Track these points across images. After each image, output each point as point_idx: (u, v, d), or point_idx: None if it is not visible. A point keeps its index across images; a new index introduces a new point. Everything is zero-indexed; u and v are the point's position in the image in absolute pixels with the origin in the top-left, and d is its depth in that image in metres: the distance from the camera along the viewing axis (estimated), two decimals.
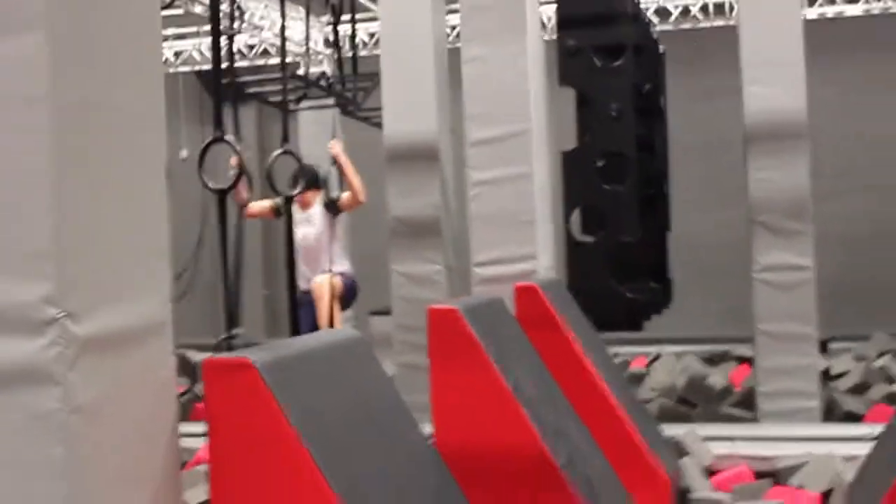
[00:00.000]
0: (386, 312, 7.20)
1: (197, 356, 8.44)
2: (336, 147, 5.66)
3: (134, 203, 2.33)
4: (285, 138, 4.96)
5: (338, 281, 5.66)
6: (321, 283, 5.57)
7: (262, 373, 2.43)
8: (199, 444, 4.70)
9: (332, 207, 5.95)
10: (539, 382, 4.44)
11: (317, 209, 5.68)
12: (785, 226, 6.73)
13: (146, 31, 2.42)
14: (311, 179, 5.87)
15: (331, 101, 8.39)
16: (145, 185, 2.39)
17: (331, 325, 5.57)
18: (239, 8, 7.46)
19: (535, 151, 5.65)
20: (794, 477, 5.39)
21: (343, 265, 6.07)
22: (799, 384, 6.72)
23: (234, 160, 5.07)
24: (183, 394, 7.48)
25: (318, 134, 8.66)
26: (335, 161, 5.55)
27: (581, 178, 6.72)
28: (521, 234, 5.52)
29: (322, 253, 5.74)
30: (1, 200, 2.10)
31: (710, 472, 5.57)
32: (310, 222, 5.65)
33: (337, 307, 5.75)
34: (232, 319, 3.01)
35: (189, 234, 9.63)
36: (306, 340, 3.11)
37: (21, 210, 2.10)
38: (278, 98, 6.38)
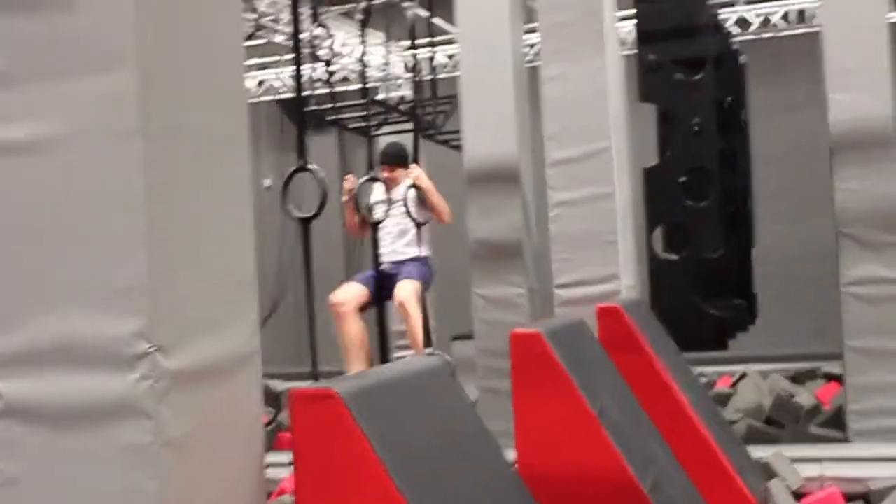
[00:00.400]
0: (468, 337, 7.18)
1: (280, 385, 8.54)
2: (417, 173, 5.65)
3: (222, 233, 2.36)
4: (371, 165, 5.00)
5: (418, 286, 5.52)
6: (408, 298, 5.42)
7: (347, 402, 2.44)
8: (284, 474, 4.76)
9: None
10: (623, 405, 4.39)
11: (404, 188, 5.55)
12: (874, 237, 6.53)
13: (230, 62, 2.45)
14: (399, 156, 5.82)
15: (410, 125, 8.42)
16: (233, 215, 2.41)
17: (425, 336, 5.47)
18: (326, 31, 7.53)
19: (615, 169, 5.60)
20: (887, 499, 5.23)
21: (427, 248, 5.93)
22: (891, 402, 6.51)
23: (346, 184, 5.27)
24: (267, 424, 7.56)
25: None
26: (416, 187, 5.53)
27: (663, 195, 6.65)
28: (602, 255, 5.47)
29: (408, 231, 5.64)
30: (93, 236, 2.14)
31: (800, 496, 5.43)
32: (396, 200, 5.55)
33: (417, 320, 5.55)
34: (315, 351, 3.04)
35: (271, 263, 9.79)
36: (390, 368, 3.12)
37: (113, 245, 2.13)
38: (359, 124, 6.42)
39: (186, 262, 2.22)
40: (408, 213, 5.09)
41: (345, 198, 5.55)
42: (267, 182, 8.48)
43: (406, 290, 5.39)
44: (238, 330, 2.36)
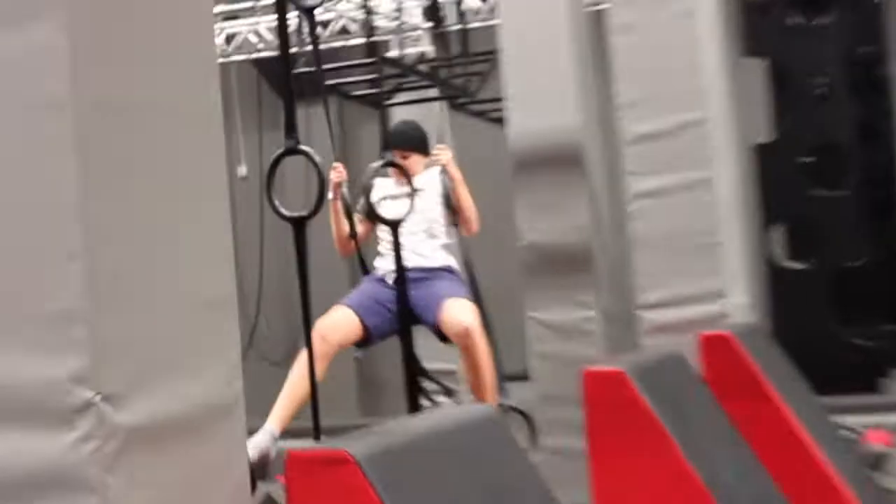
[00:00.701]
0: (522, 377, 7.15)
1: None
2: (444, 154, 5.61)
3: (189, 238, 2.36)
4: (386, 145, 4.99)
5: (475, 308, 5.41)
6: (474, 324, 5.24)
7: (365, 468, 2.45)
8: None
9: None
10: (738, 467, 4.40)
11: (429, 176, 5.49)
12: None
13: (194, 10, 2.45)
14: (416, 138, 5.74)
15: (434, 91, 8.41)
16: (203, 214, 2.41)
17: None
18: None
19: (716, 148, 5.58)
20: None
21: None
22: None
23: (334, 175, 5.21)
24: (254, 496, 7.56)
25: None
26: (445, 171, 5.50)
27: (782, 181, 6.63)
28: (702, 263, 5.45)
29: (435, 225, 5.57)
30: (10, 243, 2.14)
31: None
32: (418, 191, 5.46)
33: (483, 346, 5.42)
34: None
35: (251, 278, 9.82)
36: (422, 421, 3.13)
37: (38, 255, 2.12)
38: (366, 91, 6.42)
39: (140, 277, 2.21)
40: (447, 201, 5.01)
41: (331, 195, 5.37)
42: (242, 170, 8.49)
43: (467, 313, 5.21)
44: (213, 370, 2.35)
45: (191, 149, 2.39)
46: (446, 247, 5.53)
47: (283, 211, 3.56)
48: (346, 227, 5.32)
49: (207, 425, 2.31)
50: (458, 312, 5.21)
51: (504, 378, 5.49)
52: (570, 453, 5.74)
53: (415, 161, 5.52)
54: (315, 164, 3.77)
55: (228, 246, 2.48)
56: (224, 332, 2.42)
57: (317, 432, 2.93)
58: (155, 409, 2.17)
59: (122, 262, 2.17)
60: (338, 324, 5.23)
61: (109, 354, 2.10)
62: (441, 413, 3.40)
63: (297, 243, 3.26)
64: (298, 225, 3.35)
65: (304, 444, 2.61)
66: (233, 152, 9.40)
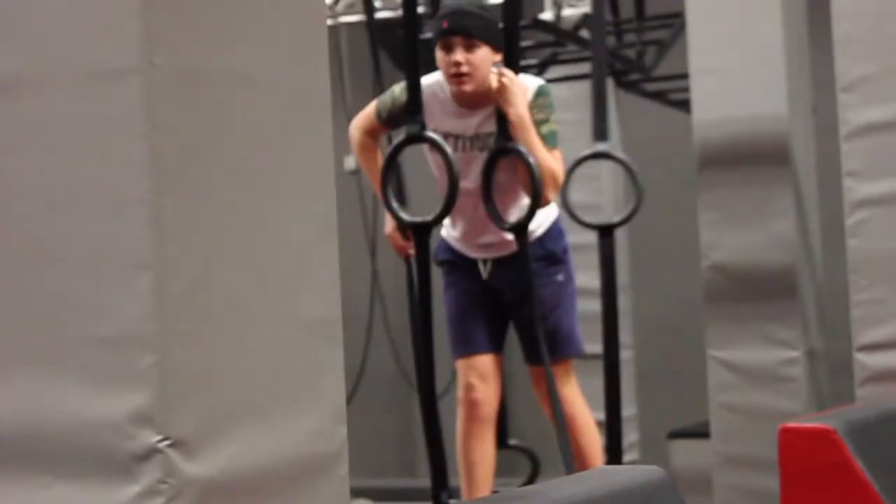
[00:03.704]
0: (700, 433, 7.12)
1: None
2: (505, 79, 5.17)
3: (286, 248, 2.38)
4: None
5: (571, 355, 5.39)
6: (573, 395, 5.27)
7: None
8: None
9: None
10: None
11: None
12: None
13: None
14: (485, 22, 5.33)
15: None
16: (303, 218, 2.43)
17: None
18: None
19: None
20: None
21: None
22: None
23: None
24: None
25: (578, 122, 8.68)
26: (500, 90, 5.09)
27: None
28: None
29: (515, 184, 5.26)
30: (60, 248, 2.18)
31: None
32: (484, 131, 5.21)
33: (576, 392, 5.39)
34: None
35: (358, 295, 9.86)
36: (564, 487, 3.13)
37: (99, 262, 2.15)
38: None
39: (223, 294, 2.24)
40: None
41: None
42: (350, 162, 8.50)
43: (561, 379, 5.20)
44: (310, 412, 2.38)
45: (290, 134, 2.41)
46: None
47: (403, 215, 3.58)
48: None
49: (301, 482, 2.33)
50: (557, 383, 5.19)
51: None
52: None
53: (481, 57, 4.97)
54: (444, 155, 3.79)
55: (334, 256, 2.49)
56: (326, 365, 2.43)
57: (437, 498, 2.93)
58: (235, 460, 2.19)
59: (200, 275, 2.19)
60: (490, 371, 5.25)
61: (181, 390, 2.12)
62: (594, 474, 3.38)
63: (419, 253, 3.26)
64: (421, 232, 3.35)
65: None
66: (340, 139, 9.45)
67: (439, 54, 4.87)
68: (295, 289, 2.38)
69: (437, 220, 4.39)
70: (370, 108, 4.94)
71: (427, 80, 4.87)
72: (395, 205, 4.01)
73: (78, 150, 2.16)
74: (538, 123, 4.91)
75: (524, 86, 4.95)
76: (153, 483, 2.08)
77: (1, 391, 2.19)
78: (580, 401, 5.30)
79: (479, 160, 4.88)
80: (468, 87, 4.79)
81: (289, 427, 2.32)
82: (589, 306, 8.11)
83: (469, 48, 4.83)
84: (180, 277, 2.15)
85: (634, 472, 3.35)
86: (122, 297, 2.12)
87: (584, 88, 7.71)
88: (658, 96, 8.80)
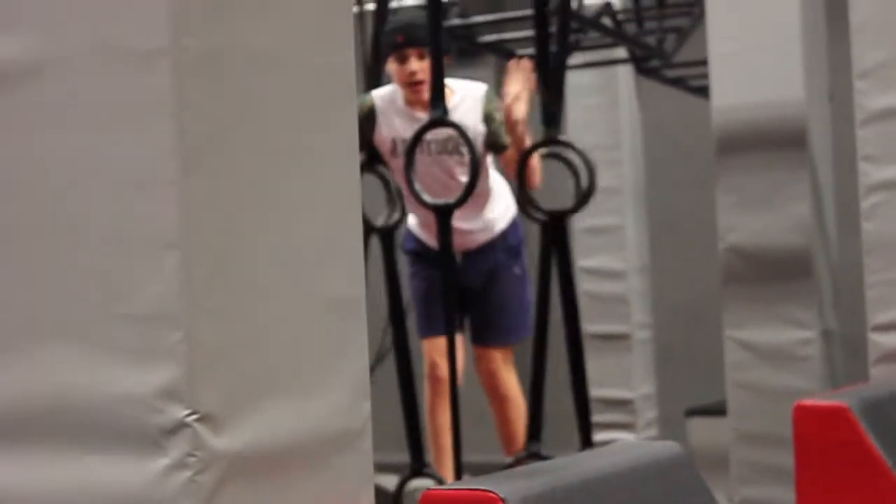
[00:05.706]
0: (717, 411, 7.10)
1: (391, 481, 8.54)
2: (517, 88, 5.31)
3: (311, 226, 2.38)
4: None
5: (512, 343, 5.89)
6: (509, 380, 5.82)
7: None
8: None
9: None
10: None
11: (467, 106, 5.34)
12: None
13: None
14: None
15: (619, 51, 8.36)
16: (329, 197, 2.44)
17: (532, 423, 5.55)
18: None
19: None
20: None
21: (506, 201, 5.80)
22: None
23: None
24: None
25: (599, 108, 8.66)
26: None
27: None
28: None
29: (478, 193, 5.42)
30: (89, 226, 2.18)
31: None
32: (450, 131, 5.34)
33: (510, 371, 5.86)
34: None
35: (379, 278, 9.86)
36: (583, 461, 3.13)
37: (126, 241, 2.16)
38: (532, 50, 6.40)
39: (249, 271, 2.24)
40: (470, 151, 4.88)
41: None
42: None
43: (495, 354, 5.76)
44: (335, 388, 2.38)
45: (316, 114, 2.41)
46: (492, 194, 5.69)
47: (426, 197, 3.58)
48: None
49: (326, 456, 2.33)
50: (487, 354, 5.98)
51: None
52: None
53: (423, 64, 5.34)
54: (468, 141, 3.79)
55: (358, 236, 2.50)
56: (350, 341, 2.44)
57: (458, 469, 2.93)
58: (261, 434, 2.20)
59: (226, 254, 2.20)
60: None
61: (207, 365, 2.13)
62: (613, 449, 3.37)
63: (442, 234, 3.25)
64: (443, 214, 3.35)
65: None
66: None
67: (394, 66, 5.25)
68: (319, 267, 2.38)
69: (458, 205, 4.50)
70: None
71: (381, 92, 5.29)
72: (417, 185, 4.03)
73: (107, 131, 2.17)
74: (500, 122, 5.21)
75: (477, 93, 5.31)
76: (181, 456, 2.09)
77: (32, 366, 2.19)
78: (515, 381, 5.83)
79: (439, 161, 5.13)
80: (426, 94, 4.98)
81: (313, 402, 2.33)
82: (605, 287, 8.14)
83: (422, 57, 5.16)
84: (207, 256, 2.16)
85: (653, 447, 3.34)
86: (150, 275, 2.13)
87: (601, 75, 7.71)
88: (678, 83, 8.79)
